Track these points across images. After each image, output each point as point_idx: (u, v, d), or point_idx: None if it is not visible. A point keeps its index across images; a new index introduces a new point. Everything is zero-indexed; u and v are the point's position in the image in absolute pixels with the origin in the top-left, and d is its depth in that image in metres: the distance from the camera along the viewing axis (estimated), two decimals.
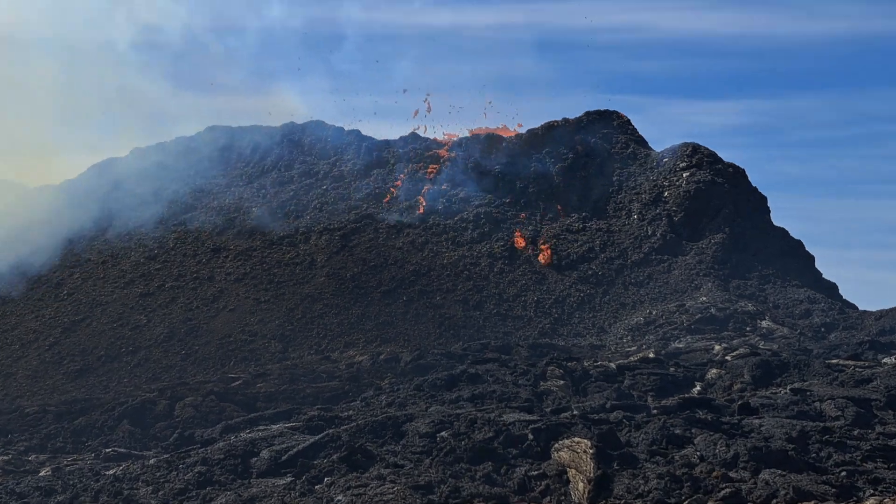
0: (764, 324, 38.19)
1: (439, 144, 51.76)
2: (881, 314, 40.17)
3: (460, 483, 19.41)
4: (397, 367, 32.63)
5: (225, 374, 34.66)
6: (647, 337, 37.68)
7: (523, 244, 45.01)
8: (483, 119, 54.14)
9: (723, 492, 18.66)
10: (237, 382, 32.03)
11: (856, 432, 22.05)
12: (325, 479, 19.81)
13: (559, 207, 47.61)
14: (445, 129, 54.59)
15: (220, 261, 44.51)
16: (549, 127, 51.44)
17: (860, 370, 28.33)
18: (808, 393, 25.16)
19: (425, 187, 48.50)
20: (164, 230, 47.90)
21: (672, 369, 29.80)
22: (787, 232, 47.18)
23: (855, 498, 19.03)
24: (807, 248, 46.71)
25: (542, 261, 42.84)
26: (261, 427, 24.40)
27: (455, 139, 51.94)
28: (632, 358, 32.09)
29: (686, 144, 49.52)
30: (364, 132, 53.28)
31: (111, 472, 22.59)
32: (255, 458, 21.18)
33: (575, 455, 19.68)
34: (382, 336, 38.37)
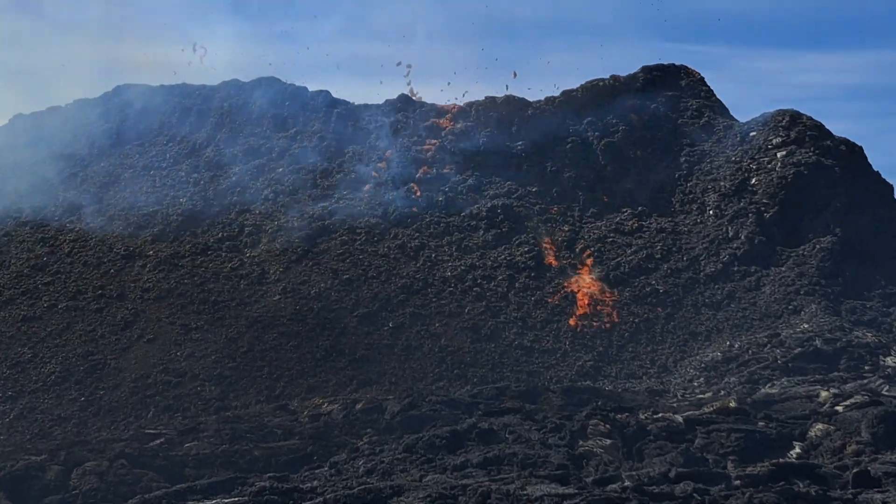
0: (890, 361, 38.26)
1: (440, 111, 51.91)
2: None
3: None
4: (381, 421, 32.68)
5: (141, 429, 34.71)
6: (726, 379, 37.74)
7: (555, 252, 45.11)
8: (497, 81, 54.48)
9: None
10: (158, 441, 32.07)
11: None
12: None
13: (605, 199, 47.74)
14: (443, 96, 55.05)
15: (135, 272, 44.63)
16: (593, 88, 51.58)
17: None
18: None
19: (421, 170, 48.66)
20: (57, 229, 48.00)
21: (762, 424, 29.85)
22: None
23: None
24: None
25: (576, 321, 42.25)
26: (191, 503, 24.44)
27: (462, 105, 52.13)
28: (706, 408, 32.16)
29: (782, 112, 49.66)
30: (335, 94, 53.64)
31: None
32: None
33: None
34: (360, 377, 38.47)
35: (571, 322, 41.52)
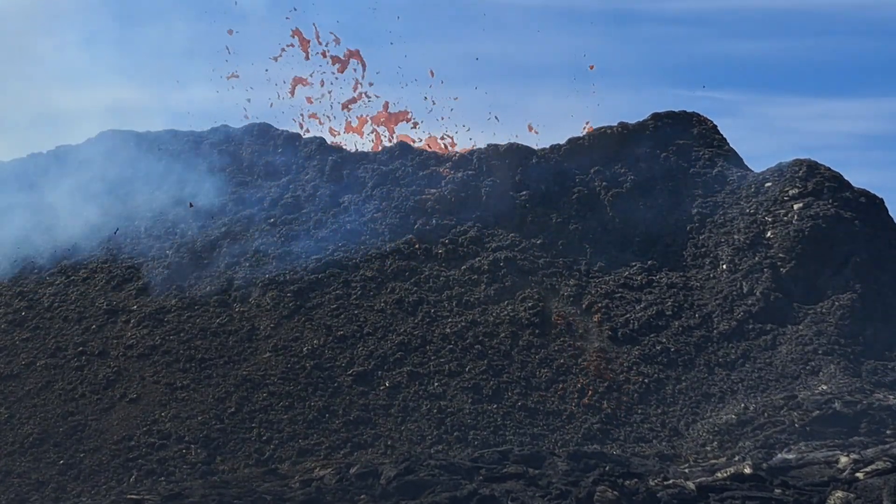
0: None
1: (440, 160, 52.30)
2: None
3: None
4: (376, 486, 32.76)
5: (123, 494, 34.80)
6: (741, 443, 37.81)
7: (561, 314, 45.26)
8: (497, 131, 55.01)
9: None
10: None
11: None
12: None
13: (613, 252, 47.95)
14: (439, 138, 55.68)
15: (118, 328, 44.86)
16: (599, 135, 52.05)
17: None
18: None
19: (418, 221, 48.92)
20: (35, 282, 48.33)
21: (778, 491, 29.97)
22: None
23: None
24: None
25: (589, 397, 42.05)
26: None
27: (463, 152, 52.57)
28: (719, 474, 32.27)
29: (798, 162, 50.02)
30: (329, 139, 54.20)
31: None
32: None
33: None
34: (354, 440, 38.56)
35: (585, 400, 41.31)
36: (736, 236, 47.48)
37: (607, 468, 32.15)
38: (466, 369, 41.97)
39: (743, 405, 40.11)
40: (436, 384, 41.28)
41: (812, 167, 49.62)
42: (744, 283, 45.58)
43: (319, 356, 42.28)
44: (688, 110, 53.51)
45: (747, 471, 31.99)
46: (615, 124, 52.43)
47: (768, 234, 47.22)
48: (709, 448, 37.96)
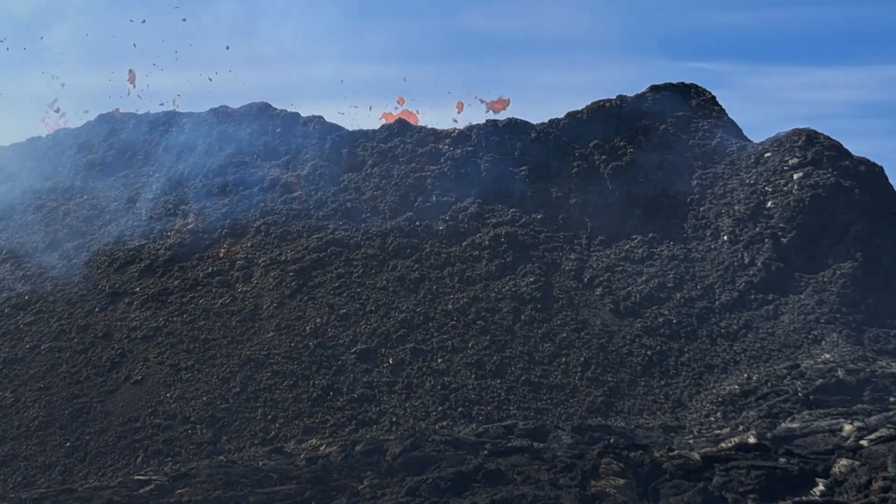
0: None
1: (439, 136, 52.22)
2: None
3: None
4: (382, 463, 32.75)
5: (129, 475, 34.82)
6: (745, 413, 37.81)
7: (562, 282, 45.24)
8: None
9: None
10: (148, 487, 32.19)
11: None
12: None
13: (614, 225, 47.93)
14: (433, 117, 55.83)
15: (122, 310, 44.85)
16: (598, 108, 51.94)
17: None
18: None
19: (419, 198, 48.88)
20: (38, 265, 48.26)
21: (783, 460, 29.96)
22: None
23: None
24: None
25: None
26: None
27: (462, 129, 52.47)
28: (724, 444, 32.28)
29: (797, 132, 49.95)
30: (329, 117, 54.13)
31: None
32: None
33: None
34: (360, 417, 38.58)
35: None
36: (736, 207, 47.45)
37: (612, 440, 32.16)
38: (469, 345, 41.96)
39: (746, 375, 40.10)
40: (439, 360, 41.29)
41: (811, 136, 49.56)
42: (745, 254, 45.55)
43: (322, 334, 42.28)
44: (686, 82, 53.55)
45: (751, 441, 32.00)
46: (614, 97, 52.40)
47: (769, 204, 47.19)
48: (713, 419, 37.96)
